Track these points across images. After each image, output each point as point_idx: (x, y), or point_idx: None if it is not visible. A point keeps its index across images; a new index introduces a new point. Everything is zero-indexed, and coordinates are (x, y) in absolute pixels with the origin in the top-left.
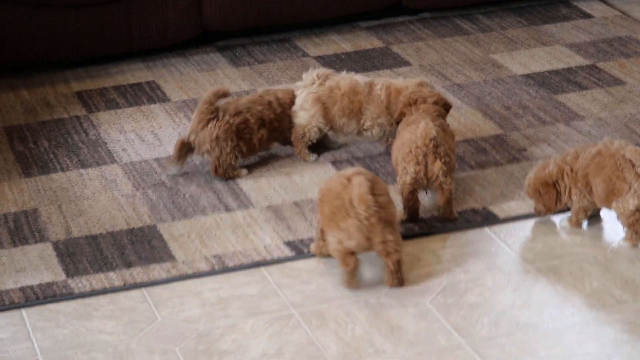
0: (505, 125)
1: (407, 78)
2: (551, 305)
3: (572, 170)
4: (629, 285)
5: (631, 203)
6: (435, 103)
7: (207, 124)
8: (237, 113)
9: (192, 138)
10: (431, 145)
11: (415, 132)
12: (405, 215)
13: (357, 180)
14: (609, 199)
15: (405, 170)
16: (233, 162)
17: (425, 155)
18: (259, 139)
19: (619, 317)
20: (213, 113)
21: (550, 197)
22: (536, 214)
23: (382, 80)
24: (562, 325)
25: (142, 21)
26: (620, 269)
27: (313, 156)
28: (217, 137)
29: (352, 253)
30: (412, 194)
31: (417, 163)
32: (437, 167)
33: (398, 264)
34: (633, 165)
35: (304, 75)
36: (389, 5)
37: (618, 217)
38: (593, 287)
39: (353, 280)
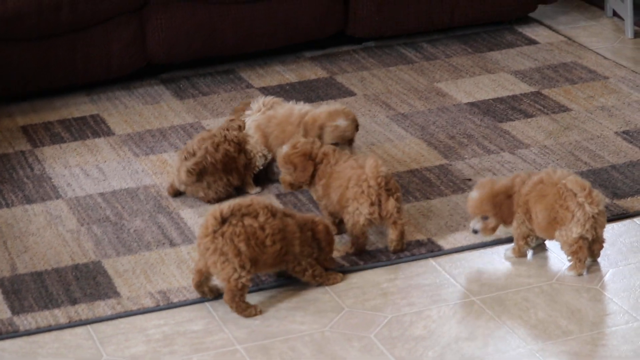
0: (449, 155)
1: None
2: (497, 337)
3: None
4: (575, 316)
5: (575, 231)
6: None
7: (199, 178)
8: (216, 147)
9: (182, 188)
10: (383, 183)
11: (358, 168)
12: (353, 249)
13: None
14: (551, 227)
15: (358, 211)
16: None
17: (378, 194)
18: (242, 165)
19: (565, 348)
20: (200, 164)
21: (509, 209)
22: (482, 231)
23: (313, 110)
24: (508, 357)
25: (86, 54)
26: (566, 299)
27: (256, 189)
28: (207, 184)
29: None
30: (364, 234)
31: (372, 204)
32: (391, 205)
33: (232, 292)
34: (575, 195)
35: (252, 103)
36: (333, 34)
37: (562, 247)
38: (539, 318)
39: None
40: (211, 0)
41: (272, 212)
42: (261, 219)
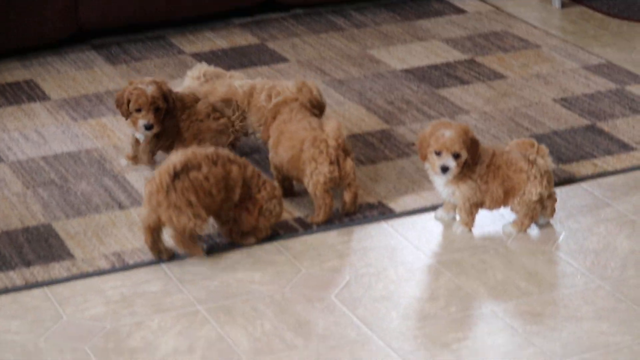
0: (390, 120)
1: (287, 79)
2: (458, 298)
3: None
4: (533, 277)
5: (534, 193)
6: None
7: None
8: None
9: None
10: (342, 144)
11: (312, 130)
12: (320, 216)
13: None
14: (507, 197)
15: (317, 170)
16: None
17: (337, 155)
18: None
19: (527, 309)
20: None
21: (477, 149)
22: (454, 169)
23: (263, 83)
24: (472, 317)
25: (19, 19)
26: (522, 261)
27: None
28: None
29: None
30: (328, 193)
31: (331, 163)
32: (349, 165)
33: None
34: (523, 156)
35: (195, 67)
36: (262, 1)
37: (518, 210)
38: (497, 279)
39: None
40: None
41: (213, 160)
42: (204, 169)
